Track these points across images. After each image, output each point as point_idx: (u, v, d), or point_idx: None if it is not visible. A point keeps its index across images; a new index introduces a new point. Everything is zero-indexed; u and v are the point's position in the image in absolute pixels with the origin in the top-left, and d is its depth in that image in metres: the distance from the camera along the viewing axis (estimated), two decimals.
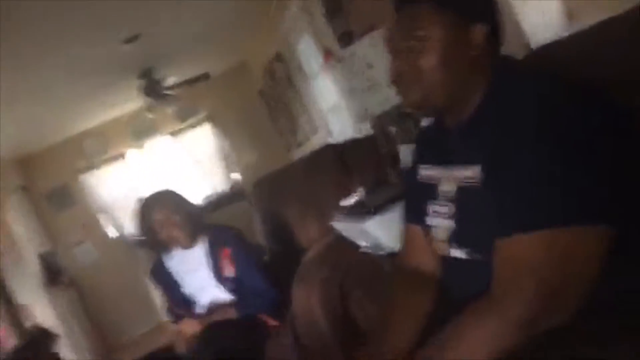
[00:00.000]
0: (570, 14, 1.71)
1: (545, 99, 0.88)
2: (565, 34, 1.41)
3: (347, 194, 2.26)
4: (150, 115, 5.76)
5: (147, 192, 2.44)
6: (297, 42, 4.53)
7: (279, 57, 5.09)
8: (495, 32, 1.00)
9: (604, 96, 0.91)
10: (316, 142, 4.76)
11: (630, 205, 0.83)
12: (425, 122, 1.24)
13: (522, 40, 1.81)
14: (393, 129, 2.03)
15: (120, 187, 6.24)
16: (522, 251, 0.82)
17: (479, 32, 0.96)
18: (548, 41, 1.26)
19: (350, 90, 1.84)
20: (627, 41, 1.02)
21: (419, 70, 0.96)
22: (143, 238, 2.38)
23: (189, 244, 2.32)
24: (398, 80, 1.01)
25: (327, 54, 3.31)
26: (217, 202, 5.32)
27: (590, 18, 1.16)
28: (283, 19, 4.44)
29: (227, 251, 2.30)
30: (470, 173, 0.95)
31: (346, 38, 2.98)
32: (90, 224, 6.06)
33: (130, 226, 5.86)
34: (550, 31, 1.75)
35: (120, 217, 6.15)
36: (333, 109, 4.28)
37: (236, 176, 6.50)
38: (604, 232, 0.81)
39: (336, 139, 4.00)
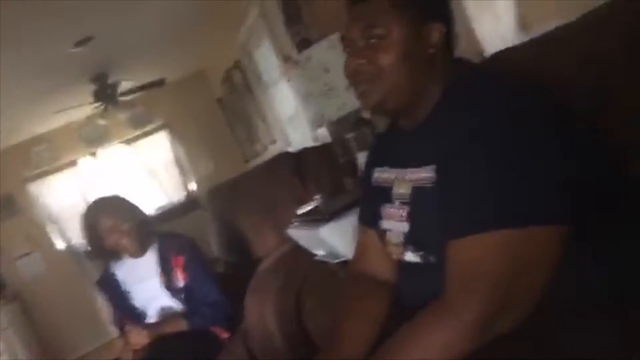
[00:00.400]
0: (523, 22, 1.74)
1: (497, 101, 0.87)
2: (519, 41, 1.43)
3: (303, 202, 2.22)
4: (102, 122, 5.59)
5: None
6: (255, 49, 4.49)
7: (237, 65, 5.03)
8: (451, 33, 0.99)
9: (553, 97, 0.91)
10: (274, 152, 4.71)
11: (582, 203, 0.83)
12: (381, 129, 1.23)
13: (476, 47, 1.82)
14: (350, 136, 2.00)
15: (70, 196, 6.03)
16: (473, 253, 0.81)
17: (436, 30, 0.95)
18: (502, 48, 1.28)
19: (307, 94, 1.81)
20: (578, 47, 1.04)
21: (379, 68, 0.94)
22: (90, 247, 2.28)
23: (138, 252, 2.23)
24: (356, 79, 0.99)
25: (287, 60, 3.29)
26: (172, 212, 5.20)
27: (543, 26, 1.17)
28: (241, 26, 4.40)
29: (179, 260, 2.22)
30: (424, 174, 0.94)
31: (304, 45, 2.96)
32: (36, 235, 5.81)
33: (79, 237, 5.65)
34: (505, 39, 1.77)
35: (69, 228, 5.92)
36: (292, 119, 4.25)
37: (192, 186, 6.38)
38: (557, 232, 0.81)
39: (294, 149, 3.97)
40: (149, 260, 2.25)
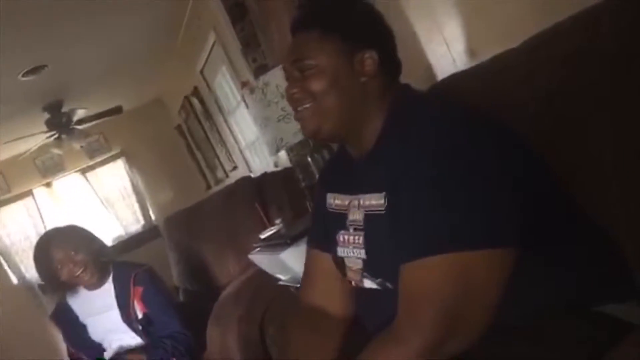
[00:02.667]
0: (472, 48, 1.79)
1: (441, 126, 0.89)
2: (468, 65, 1.48)
3: (265, 227, 2.20)
4: (57, 151, 5.44)
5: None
6: (213, 76, 4.49)
7: (195, 92, 5.01)
8: (389, 60, 1.00)
9: (497, 121, 0.93)
10: (236, 177, 4.68)
11: (529, 225, 0.84)
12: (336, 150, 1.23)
13: (428, 73, 1.87)
14: (309, 160, 2.02)
15: (24, 228, 5.82)
16: (420, 277, 0.82)
17: (368, 59, 0.97)
18: (452, 73, 1.31)
19: (265, 120, 1.81)
20: (523, 71, 1.07)
21: (310, 95, 0.97)
22: (43, 280, 2.19)
23: (95, 284, 2.16)
24: (294, 107, 1.02)
25: (245, 86, 3.29)
26: (130, 242, 5.07)
27: (491, 50, 1.21)
28: (199, 53, 4.40)
29: (137, 290, 2.16)
30: (375, 201, 0.94)
31: (262, 71, 2.98)
32: None
33: (33, 270, 5.44)
34: (455, 64, 1.82)
35: (23, 261, 5.70)
36: (252, 144, 4.24)
37: (151, 214, 6.25)
38: (504, 254, 0.81)
39: (256, 174, 3.95)
40: (106, 292, 2.18)
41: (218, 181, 5.53)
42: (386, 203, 0.92)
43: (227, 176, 5.21)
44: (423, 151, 0.86)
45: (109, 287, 2.19)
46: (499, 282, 0.81)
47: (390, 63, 1.01)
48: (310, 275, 1.15)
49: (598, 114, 0.91)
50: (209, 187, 5.92)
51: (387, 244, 0.91)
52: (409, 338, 0.80)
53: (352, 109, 0.97)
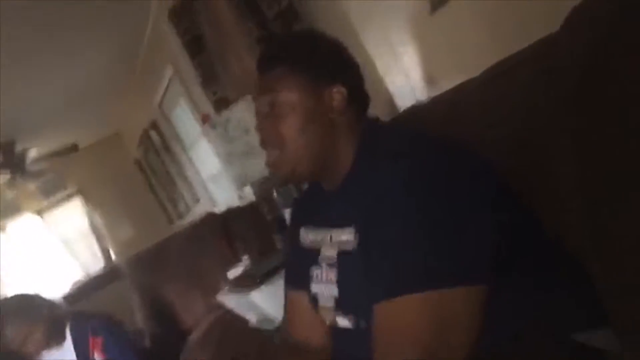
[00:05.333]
0: (430, 77, 1.81)
1: (410, 159, 0.86)
2: (428, 96, 1.49)
3: (232, 264, 2.14)
4: (10, 193, 5.25)
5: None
6: (172, 109, 4.43)
7: (154, 125, 4.94)
8: (356, 94, 0.99)
9: (467, 151, 0.92)
10: (198, 212, 4.60)
11: (504, 256, 0.82)
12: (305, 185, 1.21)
13: (390, 103, 1.88)
14: (274, 194, 1.98)
15: None
16: (395, 316, 0.79)
17: (336, 93, 0.95)
18: (413, 103, 1.31)
19: (228, 155, 1.78)
20: (484, 100, 1.08)
21: (280, 135, 0.95)
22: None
23: (56, 345, 2.05)
24: (264, 146, 0.99)
25: (206, 119, 3.25)
26: (91, 285, 4.89)
27: (450, 79, 1.21)
28: (156, 87, 4.34)
29: (97, 342, 2.05)
30: (346, 236, 0.92)
31: (223, 104, 2.95)
32: None
33: None
34: (415, 93, 1.83)
35: None
36: (215, 177, 4.18)
37: (111, 254, 6.07)
38: (477, 290, 0.79)
39: (219, 208, 3.89)
40: (66, 350, 2.07)
41: (180, 215, 5.42)
42: (357, 239, 0.89)
43: (189, 210, 5.11)
44: (392, 186, 0.83)
45: (67, 345, 2.08)
46: (476, 317, 0.79)
47: (358, 97, 1.00)
48: (290, 314, 1.12)
49: (560, 138, 0.91)
50: (171, 221, 5.80)
51: (359, 280, 0.88)
52: None
53: (323, 147, 0.95)
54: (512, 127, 1.01)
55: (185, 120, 4.30)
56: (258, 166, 1.76)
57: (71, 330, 2.08)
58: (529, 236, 0.90)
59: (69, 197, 6.12)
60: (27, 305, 2.07)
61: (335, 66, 0.99)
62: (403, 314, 0.78)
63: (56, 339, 2.04)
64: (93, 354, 2.05)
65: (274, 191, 1.94)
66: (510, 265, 0.84)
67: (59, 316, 2.09)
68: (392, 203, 0.82)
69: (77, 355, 2.06)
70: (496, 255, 0.81)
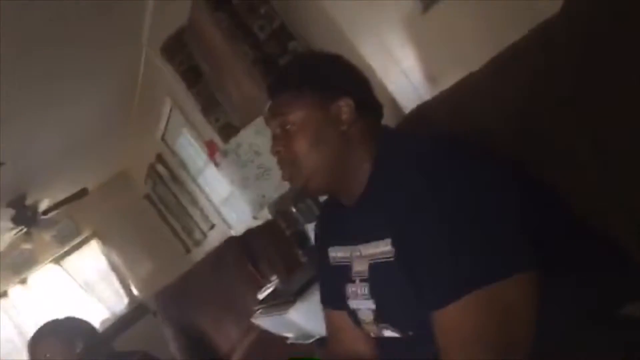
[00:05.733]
0: (431, 75, 1.83)
1: (434, 161, 0.88)
2: (430, 94, 1.49)
3: (260, 285, 2.16)
4: (27, 246, 5.29)
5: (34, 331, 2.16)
6: (175, 140, 4.46)
7: (159, 158, 4.97)
8: (365, 104, 1.01)
9: (484, 146, 0.94)
10: (215, 237, 4.62)
11: (543, 244, 0.84)
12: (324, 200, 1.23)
13: (393, 105, 1.89)
14: (293, 209, 2.00)
15: (6, 331, 5.57)
16: (456, 321, 0.80)
17: (344, 106, 0.97)
18: (417, 104, 1.32)
19: (244, 180, 1.80)
20: (488, 93, 1.09)
21: (293, 154, 0.98)
22: None
23: None
24: (281, 166, 1.02)
25: (210, 145, 3.28)
26: (119, 325, 4.91)
27: (451, 76, 1.23)
28: (157, 120, 4.38)
29: None
30: (381, 249, 0.93)
31: (227, 130, 2.97)
32: None
33: None
34: (417, 93, 1.84)
35: None
36: (227, 200, 4.20)
37: (134, 291, 6.09)
38: (528, 276, 0.81)
39: (235, 230, 3.90)
40: None
41: (197, 243, 5.43)
42: (394, 250, 0.90)
43: (205, 237, 5.13)
44: (425, 190, 0.84)
45: None
46: (532, 304, 0.81)
47: (368, 107, 1.01)
48: (333, 334, 1.13)
49: (568, 123, 0.93)
50: (188, 251, 5.81)
51: (399, 292, 0.89)
52: None
53: (337, 160, 0.97)
54: (519, 115, 1.02)
55: (189, 149, 4.33)
56: (274, 186, 1.79)
57: None
58: (558, 219, 0.91)
59: (85, 241, 6.15)
60: (66, 334, 2.06)
61: (340, 80, 1.01)
62: (462, 318, 0.79)
63: None
64: None
65: (293, 208, 1.96)
66: (550, 253, 0.85)
67: (98, 345, 2.08)
68: (425, 209, 0.84)
69: None
70: (536, 242, 0.82)
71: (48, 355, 1.98)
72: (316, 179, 0.97)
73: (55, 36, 2.84)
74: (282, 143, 0.99)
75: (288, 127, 0.98)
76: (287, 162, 0.99)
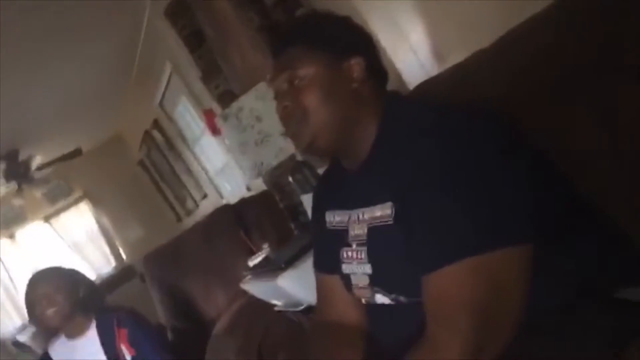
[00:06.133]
0: (439, 53, 1.81)
1: (443, 127, 0.87)
2: (437, 70, 1.48)
3: (251, 253, 2.16)
4: (18, 202, 5.26)
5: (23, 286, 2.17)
6: (173, 107, 4.43)
7: (156, 125, 4.93)
8: (374, 66, 1.00)
9: (495, 114, 0.93)
10: (207, 207, 4.61)
11: (544, 217, 0.84)
12: (323, 169, 1.22)
13: (398, 81, 1.88)
14: (290, 180, 1.99)
15: None
16: (448, 284, 0.80)
17: (355, 65, 0.96)
18: (423, 80, 1.31)
19: (241, 145, 1.78)
20: (498, 70, 1.08)
21: (303, 108, 0.95)
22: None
23: (77, 332, 2.07)
24: (286, 122, 1.00)
25: (209, 114, 3.25)
26: (105, 285, 4.92)
27: (459, 54, 1.22)
28: (155, 85, 4.34)
29: (122, 333, 2.07)
30: (381, 212, 0.92)
31: (227, 97, 2.94)
32: None
33: (7, 326, 5.23)
34: (424, 70, 1.84)
35: None
36: (222, 171, 4.19)
37: (122, 254, 6.10)
38: (524, 249, 0.81)
39: (228, 201, 3.90)
40: (90, 340, 2.09)
41: (188, 212, 5.43)
42: (394, 213, 0.90)
43: (197, 206, 5.12)
44: (429, 158, 0.84)
45: (92, 335, 2.10)
46: (525, 277, 0.81)
47: (377, 68, 1.01)
48: (324, 299, 1.12)
49: (581, 102, 0.92)
50: (179, 219, 5.81)
51: (396, 255, 0.89)
52: (446, 349, 0.78)
53: (346, 118, 0.96)
54: (530, 96, 1.02)
55: (187, 117, 4.30)
56: (273, 153, 1.77)
57: (98, 324, 2.10)
58: (566, 197, 0.91)
59: (75, 201, 6.14)
60: (62, 278, 2.09)
61: (351, 39, 1.00)
62: (454, 282, 0.79)
63: (78, 324, 2.05)
64: (119, 345, 2.07)
65: (290, 177, 1.95)
66: (551, 228, 0.85)
67: (89, 301, 2.10)
68: (430, 174, 0.83)
69: (103, 346, 2.08)
70: (536, 215, 0.82)
71: (36, 295, 2.00)
72: (324, 135, 0.95)
73: None
74: (289, 98, 0.96)
75: (297, 82, 0.96)
76: (294, 118, 0.97)
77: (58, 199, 5.97)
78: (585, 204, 0.92)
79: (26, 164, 4.72)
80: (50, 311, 2.00)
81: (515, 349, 0.80)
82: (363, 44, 1.01)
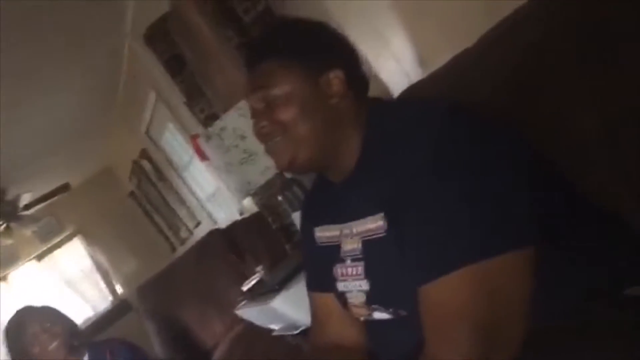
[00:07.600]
0: (422, 59, 1.78)
1: (432, 129, 0.82)
2: (421, 76, 1.45)
3: (245, 278, 2.10)
4: (8, 242, 5.17)
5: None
6: (160, 135, 4.39)
7: (144, 154, 4.89)
8: (354, 76, 0.95)
9: (486, 114, 0.88)
10: (201, 234, 4.54)
11: (545, 219, 0.80)
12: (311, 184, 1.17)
13: (384, 90, 1.84)
14: (280, 199, 1.94)
15: None
16: (446, 295, 0.75)
17: (333, 79, 0.91)
18: (407, 85, 1.28)
19: (228, 165, 1.74)
20: (485, 67, 1.04)
21: (280, 125, 0.91)
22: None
23: None
24: (264, 141, 0.95)
25: (195, 139, 3.21)
26: (102, 322, 4.83)
27: (442, 59, 1.17)
28: (141, 114, 4.30)
29: None
30: (373, 225, 0.87)
31: (212, 121, 2.90)
32: None
33: None
34: (409, 77, 1.80)
35: None
36: (213, 196, 4.13)
37: (118, 289, 6.00)
38: (524, 254, 0.76)
39: (221, 226, 3.84)
40: None
41: (183, 241, 5.35)
42: (386, 224, 0.85)
43: (191, 234, 5.05)
44: (420, 161, 0.79)
45: None
46: (526, 283, 0.76)
47: (357, 79, 0.96)
48: (318, 318, 1.08)
49: (569, 93, 0.88)
50: (174, 249, 5.73)
51: (392, 268, 0.84)
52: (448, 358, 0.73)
53: (327, 132, 0.91)
54: (516, 87, 0.98)
55: (174, 144, 4.26)
56: (259, 171, 1.73)
57: (89, 356, 2.04)
58: (565, 196, 0.87)
59: (68, 238, 6.06)
60: (51, 310, 2.05)
61: (327, 49, 0.94)
62: (452, 293, 0.74)
63: (71, 355, 1.99)
64: None
65: (279, 195, 1.90)
66: (553, 229, 0.80)
67: (77, 337, 2.05)
68: (421, 180, 0.78)
69: None
70: (536, 217, 0.77)
71: (27, 333, 1.93)
72: (304, 153, 0.90)
73: (35, 26, 2.77)
74: (265, 117, 0.91)
75: (273, 101, 0.90)
76: (271, 137, 0.92)
77: (49, 236, 5.88)
78: (587, 203, 0.87)
79: (14, 203, 4.66)
80: (53, 346, 1.94)
81: (530, 356, 0.75)
82: (341, 54, 0.95)
